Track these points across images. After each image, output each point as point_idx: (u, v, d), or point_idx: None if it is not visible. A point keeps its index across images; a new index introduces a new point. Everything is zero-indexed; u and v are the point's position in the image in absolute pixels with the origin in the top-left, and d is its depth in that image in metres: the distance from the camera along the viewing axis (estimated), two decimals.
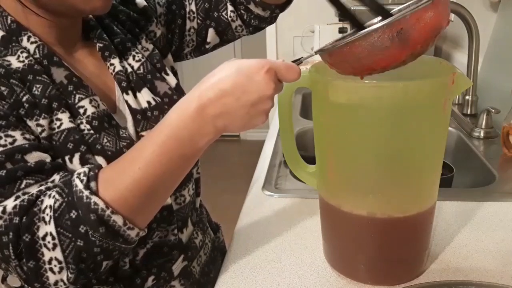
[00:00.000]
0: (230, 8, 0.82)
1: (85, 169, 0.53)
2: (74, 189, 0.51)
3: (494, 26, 1.30)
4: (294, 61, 0.56)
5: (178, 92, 0.73)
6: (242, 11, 0.82)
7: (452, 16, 1.59)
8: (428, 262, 0.66)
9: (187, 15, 0.81)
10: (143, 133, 0.65)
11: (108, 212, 0.50)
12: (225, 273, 0.67)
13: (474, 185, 0.97)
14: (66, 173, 0.55)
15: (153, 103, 0.68)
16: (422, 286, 0.58)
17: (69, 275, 0.51)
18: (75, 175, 0.52)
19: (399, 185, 0.59)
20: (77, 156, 0.57)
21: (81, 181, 0.51)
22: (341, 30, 2.02)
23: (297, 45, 2.75)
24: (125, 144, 0.62)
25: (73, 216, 0.50)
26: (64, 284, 0.52)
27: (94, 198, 0.50)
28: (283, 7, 0.82)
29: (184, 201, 0.71)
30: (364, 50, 0.49)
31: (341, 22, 2.09)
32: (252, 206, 0.85)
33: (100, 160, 0.58)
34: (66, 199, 0.51)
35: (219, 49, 0.91)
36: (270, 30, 2.85)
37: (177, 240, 0.70)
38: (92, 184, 0.51)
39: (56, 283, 0.51)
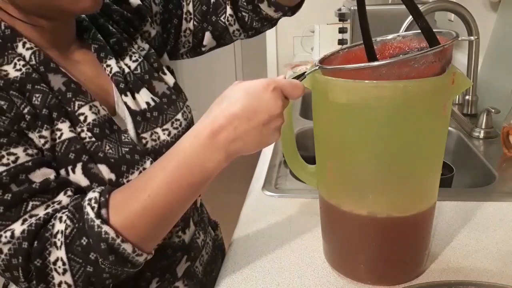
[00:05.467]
0: (229, 11, 0.80)
1: (96, 194, 0.53)
2: (85, 216, 0.52)
3: (494, 26, 1.30)
4: (298, 76, 0.57)
5: (177, 91, 0.72)
6: (244, 13, 0.80)
7: (452, 16, 1.59)
8: (428, 262, 0.66)
9: (184, 16, 0.80)
10: (144, 135, 0.65)
11: (118, 240, 0.51)
12: (225, 273, 0.67)
13: (474, 185, 0.97)
14: (76, 196, 0.55)
15: (152, 103, 0.67)
16: (422, 286, 0.58)
17: None
18: (86, 201, 0.53)
19: (399, 185, 0.59)
20: (79, 166, 0.56)
21: (92, 208, 0.52)
22: (341, 30, 2.02)
23: (297, 45, 2.75)
24: (127, 149, 0.61)
25: (84, 243, 0.51)
26: None
27: (105, 228, 0.51)
28: (294, 10, 0.81)
29: None
30: (406, 69, 0.52)
31: (341, 22, 2.09)
32: (252, 206, 0.85)
33: (103, 168, 0.58)
34: (77, 225, 0.52)
35: (219, 50, 0.90)
36: (270, 30, 2.85)
37: (181, 241, 0.70)
38: (103, 211, 0.52)
39: None
